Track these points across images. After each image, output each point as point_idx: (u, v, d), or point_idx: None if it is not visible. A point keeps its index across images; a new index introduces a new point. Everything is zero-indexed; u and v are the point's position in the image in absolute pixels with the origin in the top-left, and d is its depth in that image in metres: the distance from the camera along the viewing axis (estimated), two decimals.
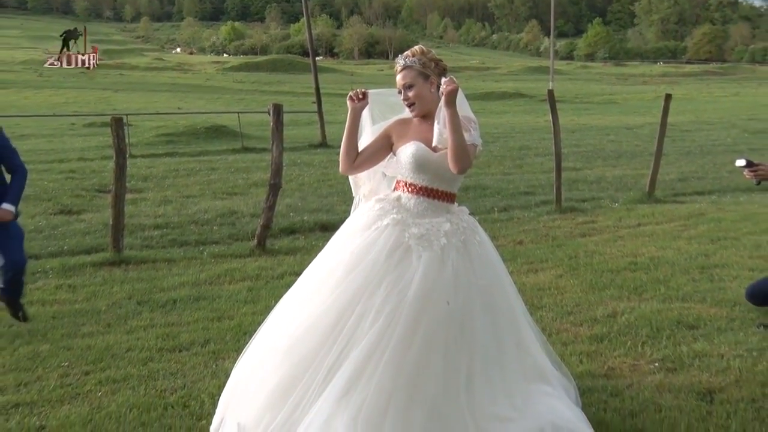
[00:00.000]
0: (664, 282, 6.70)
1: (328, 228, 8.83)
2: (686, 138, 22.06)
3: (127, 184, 8.76)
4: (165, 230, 9.31)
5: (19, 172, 5.41)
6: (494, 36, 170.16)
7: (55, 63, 47.21)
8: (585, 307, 5.97)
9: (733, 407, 4.07)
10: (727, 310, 5.83)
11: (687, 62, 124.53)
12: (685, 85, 66.92)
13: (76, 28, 56.67)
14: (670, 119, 12.25)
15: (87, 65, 46.01)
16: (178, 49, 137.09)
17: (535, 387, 3.63)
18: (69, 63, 47.75)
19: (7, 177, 5.43)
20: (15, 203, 5.36)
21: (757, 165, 4.98)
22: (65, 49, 52.28)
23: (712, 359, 4.78)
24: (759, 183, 5.16)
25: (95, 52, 49.79)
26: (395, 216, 3.59)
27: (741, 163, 4.97)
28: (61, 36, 53.60)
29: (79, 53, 52.08)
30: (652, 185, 11.82)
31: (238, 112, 22.64)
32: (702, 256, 7.75)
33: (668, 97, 12.11)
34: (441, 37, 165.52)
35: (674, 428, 3.82)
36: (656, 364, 4.70)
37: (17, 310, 5.39)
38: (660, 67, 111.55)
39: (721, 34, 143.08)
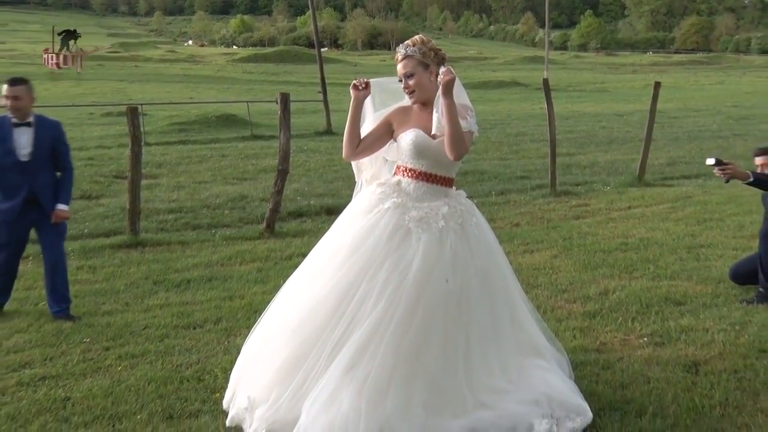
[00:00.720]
0: (653, 261, 6.70)
1: (334, 211, 8.81)
2: (674, 124, 21.96)
3: (143, 171, 8.76)
4: (179, 214, 9.31)
5: (68, 170, 5.46)
6: (491, 27, 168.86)
7: (48, 63, 47.08)
8: (578, 286, 5.98)
9: (716, 378, 4.09)
10: (712, 287, 5.85)
11: (675, 52, 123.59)
12: (673, 74, 66.48)
13: (75, 30, 56.34)
14: (659, 106, 12.20)
15: (75, 66, 45.76)
16: (190, 42, 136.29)
17: (530, 361, 3.64)
18: (65, 63, 47.47)
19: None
20: (68, 203, 5.42)
21: (726, 164, 5.01)
22: (64, 49, 51.99)
23: (698, 333, 4.80)
24: (728, 181, 5.21)
25: (83, 55, 49.64)
26: (395, 200, 3.58)
27: (711, 162, 5.01)
28: (59, 35, 53.18)
29: (80, 50, 51.84)
30: (642, 169, 11.79)
31: (247, 102, 22.50)
32: (689, 236, 7.75)
33: (657, 85, 12.06)
34: (440, 29, 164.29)
35: (662, 398, 3.84)
36: (645, 339, 4.72)
37: (71, 318, 5.39)
38: (649, 56, 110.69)
39: (708, 24, 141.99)
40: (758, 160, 5.51)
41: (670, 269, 6.41)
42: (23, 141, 5.22)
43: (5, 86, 5.22)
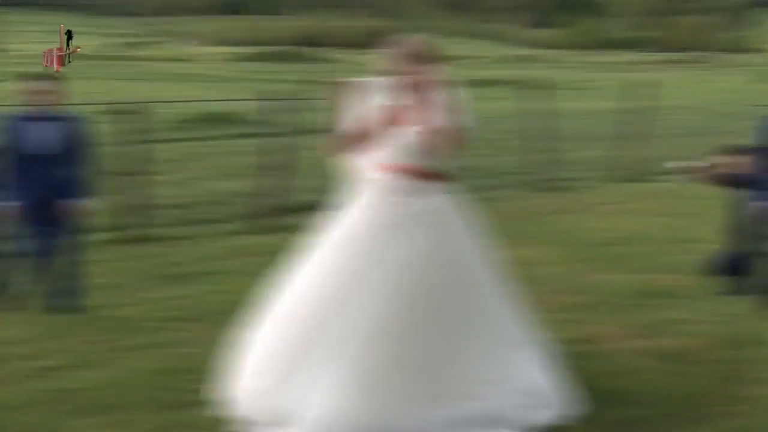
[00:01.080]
0: (641, 255, 6.69)
1: (331, 208, 8.77)
2: (663, 121, 21.91)
3: (146, 167, 8.72)
4: (181, 210, 9.27)
5: (92, 166, 5.39)
6: (484, 26, 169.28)
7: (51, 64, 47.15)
8: (567, 279, 5.95)
9: (703, 368, 4.08)
10: (698, 280, 5.81)
11: (663, 51, 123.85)
12: (662, 72, 66.48)
13: (69, 30, 57.17)
14: (647, 103, 12.18)
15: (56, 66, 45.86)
16: (194, 42, 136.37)
17: (517, 353, 3.60)
18: (48, 63, 47.66)
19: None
20: (89, 198, 5.36)
21: (694, 167, 5.01)
22: (67, 47, 52.44)
23: (685, 325, 4.79)
24: (702, 182, 5.20)
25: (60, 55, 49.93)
26: (386, 196, 3.56)
27: (675, 165, 5.01)
28: (65, 34, 53.65)
29: (59, 50, 52.23)
30: (631, 165, 11.78)
31: (250, 100, 22.45)
32: (677, 230, 7.74)
33: (647, 83, 12.05)
34: (436, 29, 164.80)
35: (649, 388, 3.82)
36: (633, 331, 4.69)
37: (72, 311, 5.34)
38: (638, 55, 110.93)
39: (696, 24, 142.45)
40: (725, 160, 5.52)
41: (658, 262, 6.39)
42: (48, 136, 5.17)
43: (35, 81, 5.17)
